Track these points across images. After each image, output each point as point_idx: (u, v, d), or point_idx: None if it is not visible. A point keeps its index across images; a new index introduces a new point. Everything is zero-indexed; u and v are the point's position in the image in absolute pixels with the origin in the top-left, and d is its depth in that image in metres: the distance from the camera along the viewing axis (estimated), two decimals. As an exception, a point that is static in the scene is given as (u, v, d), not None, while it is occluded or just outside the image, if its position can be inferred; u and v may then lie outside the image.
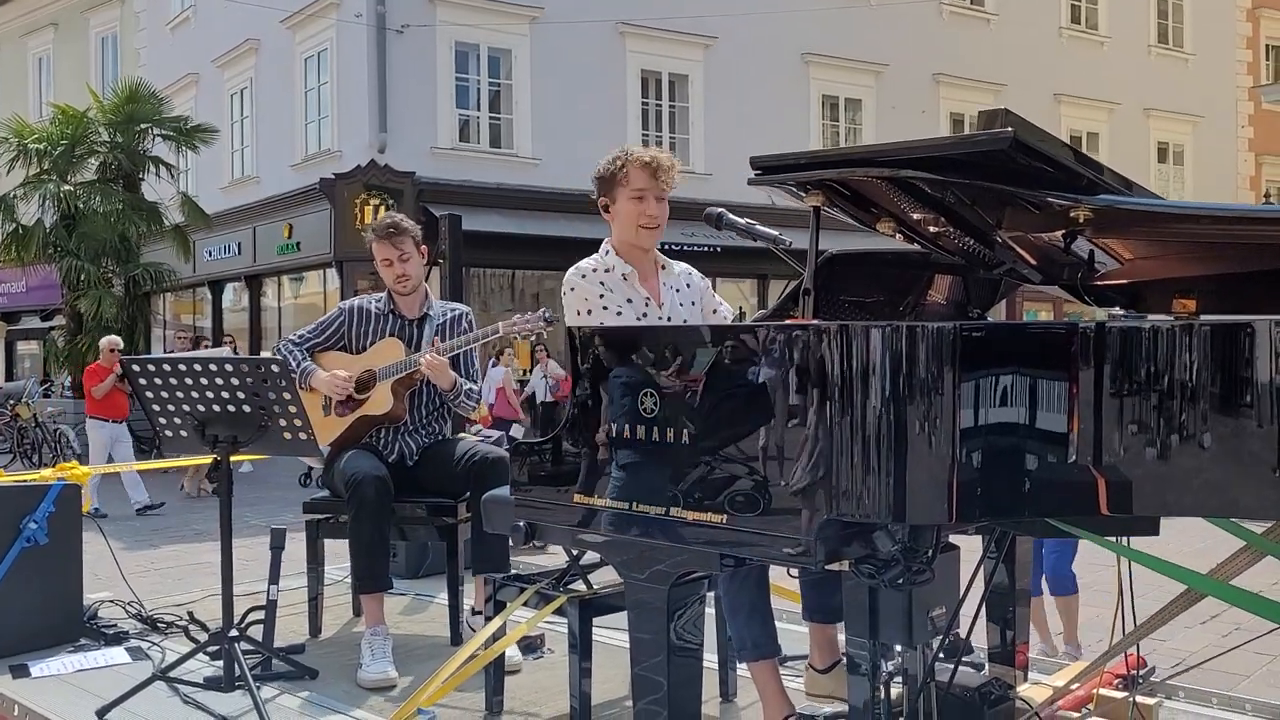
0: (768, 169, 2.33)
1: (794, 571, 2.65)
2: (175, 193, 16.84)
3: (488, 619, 3.05)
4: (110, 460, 9.72)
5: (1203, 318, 2.20)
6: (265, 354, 4.85)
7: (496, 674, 3.11)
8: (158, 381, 3.25)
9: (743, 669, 3.06)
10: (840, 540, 2.06)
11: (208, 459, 5.22)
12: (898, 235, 2.65)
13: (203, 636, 3.43)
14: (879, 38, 19.35)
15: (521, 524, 2.60)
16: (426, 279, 4.03)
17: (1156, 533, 2.17)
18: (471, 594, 3.81)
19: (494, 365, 12.53)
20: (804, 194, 2.38)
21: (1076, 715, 2.81)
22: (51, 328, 20.05)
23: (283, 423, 3.21)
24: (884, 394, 1.94)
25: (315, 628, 3.91)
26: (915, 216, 2.50)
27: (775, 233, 2.80)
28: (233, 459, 3.27)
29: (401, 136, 15.86)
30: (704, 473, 2.17)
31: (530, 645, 3.61)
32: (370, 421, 3.77)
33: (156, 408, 3.29)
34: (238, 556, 3.35)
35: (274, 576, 3.57)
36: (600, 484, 2.37)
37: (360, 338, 3.84)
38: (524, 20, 16.66)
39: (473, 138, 16.75)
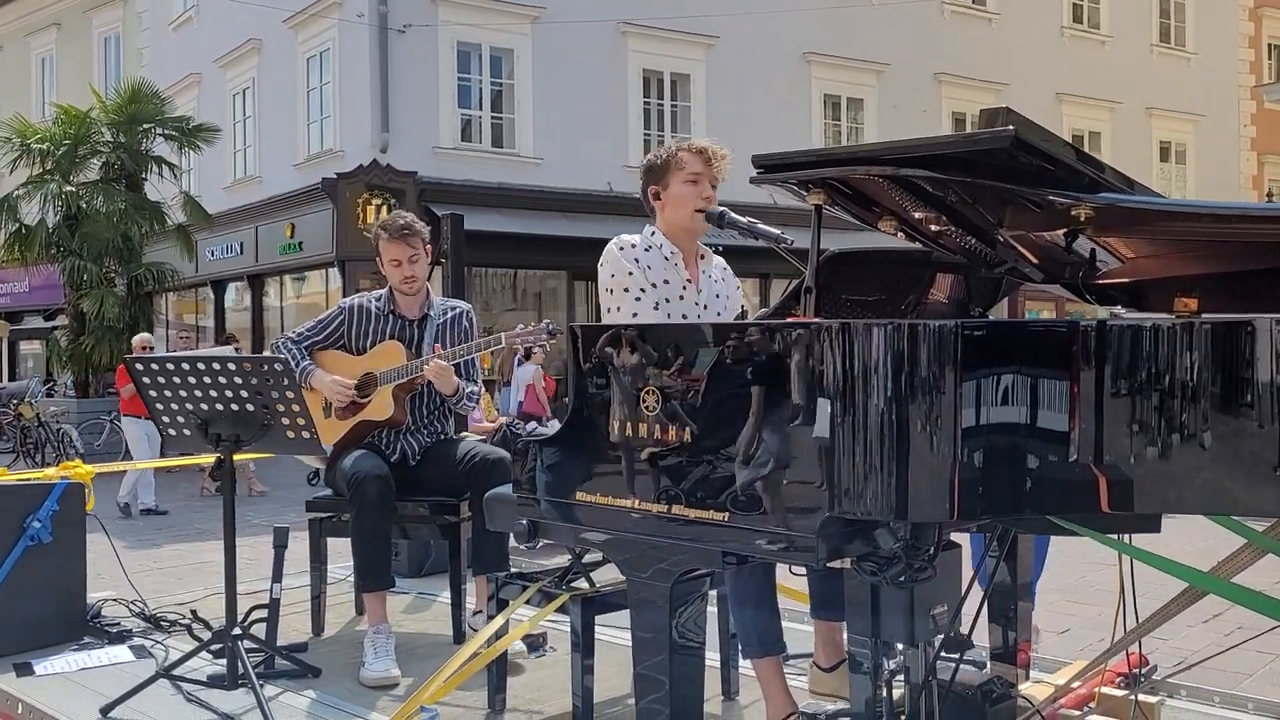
0: (770, 167, 2.33)
1: (797, 569, 2.65)
2: (178, 192, 16.85)
3: (490, 617, 3.06)
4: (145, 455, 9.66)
5: (1204, 316, 2.20)
6: (266, 354, 4.85)
7: (499, 672, 3.11)
8: (161, 380, 3.25)
9: (745, 667, 3.07)
10: (842, 538, 2.06)
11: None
12: (899, 234, 2.65)
13: (206, 635, 3.44)
14: (880, 37, 19.34)
15: (524, 522, 2.61)
16: (429, 278, 4.03)
17: (1158, 530, 2.17)
18: (473, 593, 3.81)
19: (520, 365, 12.38)
20: (806, 193, 2.38)
21: (1078, 713, 2.81)
22: (54, 327, 20.06)
23: (285, 421, 3.21)
24: (886, 391, 1.95)
25: (318, 626, 3.91)
26: (917, 215, 2.50)
27: (778, 231, 2.80)
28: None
29: (403, 136, 15.86)
30: (706, 470, 2.17)
31: (533, 643, 3.61)
32: (371, 425, 3.78)
33: (160, 406, 3.30)
34: (240, 555, 3.35)
35: (277, 575, 3.58)
36: (603, 482, 2.37)
37: (360, 337, 3.84)
38: (526, 20, 16.67)
39: (474, 137, 16.75)
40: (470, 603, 3.82)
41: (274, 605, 3.57)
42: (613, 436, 2.34)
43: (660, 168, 2.94)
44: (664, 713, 2.34)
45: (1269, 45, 25.92)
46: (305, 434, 3.23)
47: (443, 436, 3.93)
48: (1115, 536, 2.21)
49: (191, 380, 3.21)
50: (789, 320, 2.24)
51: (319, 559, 3.91)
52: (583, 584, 2.98)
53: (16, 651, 3.54)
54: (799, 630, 3.48)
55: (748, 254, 3.18)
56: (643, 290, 2.84)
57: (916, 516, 1.99)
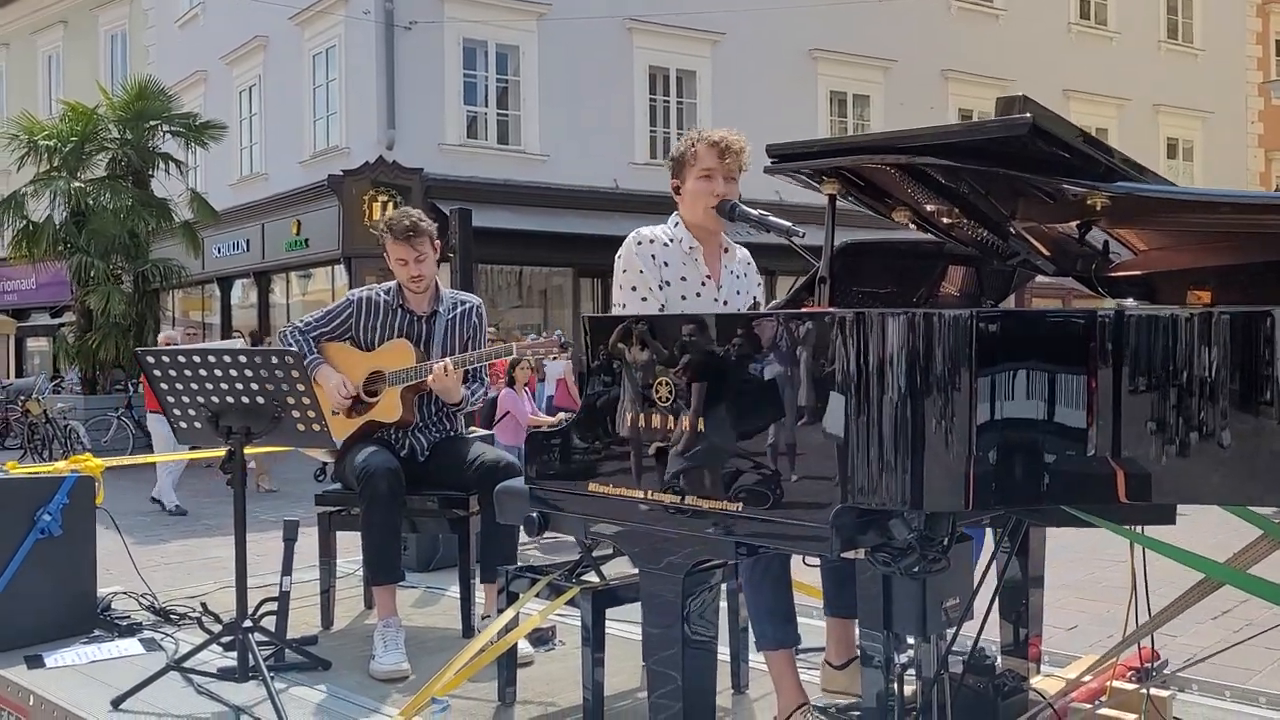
0: (784, 157, 2.32)
1: (811, 561, 2.64)
2: (184, 189, 16.87)
3: (500, 611, 3.05)
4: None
5: (1220, 307, 2.19)
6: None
7: (509, 665, 3.11)
8: (172, 373, 3.25)
9: (755, 661, 3.06)
10: (856, 528, 2.05)
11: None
12: (911, 225, 2.63)
13: (216, 628, 3.44)
14: (887, 33, 19.31)
15: (534, 514, 2.60)
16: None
17: (1173, 521, 2.16)
18: (482, 596, 3.80)
19: (554, 359, 12.38)
20: (819, 183, 2.37)
21: (1089, 707, 2.80)
22: (61, 324, 20.11)
23: (296, 414, 3.22)
24: (900, 381, 1.94)
25: (327, 620, 3.91)
26: (929, 208, 2.49)
27: (788, 224, 2.78)
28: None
29: (409, 133, 15.87)
30: (720, 461, 2.16)
31: (542, 637, 3.61)
32: (378, 425, 3.78)
33: (171, 399, 3.30)
34: (250, 551, 3.35)
35: (286, 568, 3.58)
36: (615, 473, 2.36)
37: (369, 330, 3.83)
38: (531, 16, 16.66)
39: (480, 134, 16.76)
40: (480, 599, 3.81)
41: (284, 598, 3.57)
42: (625, 428, 2.33)
43: (679, 161, 2.93)
44: (675, 706, 2.33)
45: (1277, 41, 25.84)
46: (316, 426, 3.23)
47: (451, 433, 3.93)
48: (1130, 528, 2.19)
49: (203, 373, 3.21)
50: (804, 310, 2.23)
51: (328, 553, 3.90)
52: (593, 577, 2.98)
53: (28, 644, 3.55)
54: (811, 626, 3.47)
55: (753, 251, 3.17)
56: (650, 290, 2.84)
57: (932, 506, 1.98)
